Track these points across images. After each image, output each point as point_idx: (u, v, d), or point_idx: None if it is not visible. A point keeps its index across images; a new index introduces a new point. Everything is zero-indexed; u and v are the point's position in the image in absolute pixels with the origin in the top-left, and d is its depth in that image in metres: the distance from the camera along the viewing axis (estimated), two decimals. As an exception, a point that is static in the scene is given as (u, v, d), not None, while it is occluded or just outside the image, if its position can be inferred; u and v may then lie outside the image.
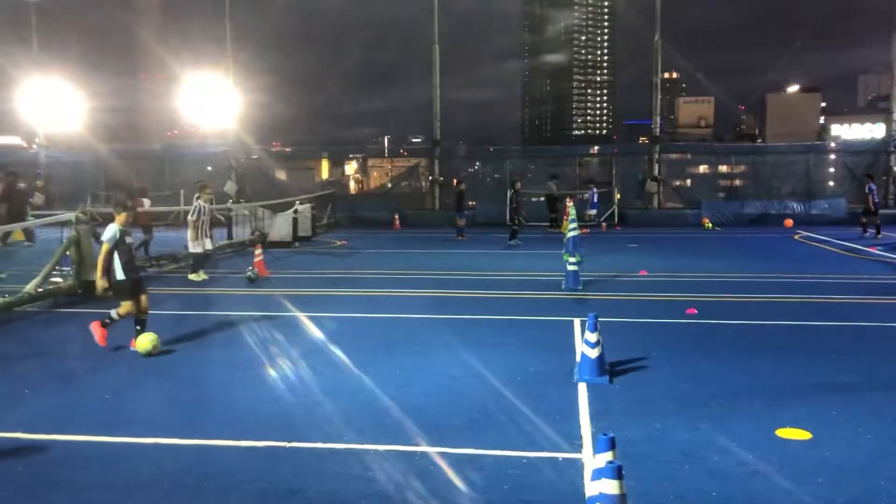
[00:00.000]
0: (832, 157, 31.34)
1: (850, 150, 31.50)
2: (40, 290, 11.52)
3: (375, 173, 46.16)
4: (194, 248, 14.17)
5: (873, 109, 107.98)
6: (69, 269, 12.38)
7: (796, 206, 27.81)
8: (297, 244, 20.71)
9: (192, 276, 14.06)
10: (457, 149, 36.65)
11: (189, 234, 14.17)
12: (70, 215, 12.46)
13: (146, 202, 17.90)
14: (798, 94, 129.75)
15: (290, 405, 6.63)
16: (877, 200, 21.80)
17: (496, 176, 33.58)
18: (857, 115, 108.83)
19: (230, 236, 20.59)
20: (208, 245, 14.48)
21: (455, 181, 28.35)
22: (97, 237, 12.77)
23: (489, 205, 29.12)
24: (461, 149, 37.97)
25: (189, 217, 14.23)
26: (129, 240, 8.52)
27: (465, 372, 7.68)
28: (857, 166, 29.17)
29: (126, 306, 8.47)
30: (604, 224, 26.63)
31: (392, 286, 13.44)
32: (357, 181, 47.34)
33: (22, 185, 21.48)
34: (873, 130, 72.94)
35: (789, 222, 26.22)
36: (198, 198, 14.37)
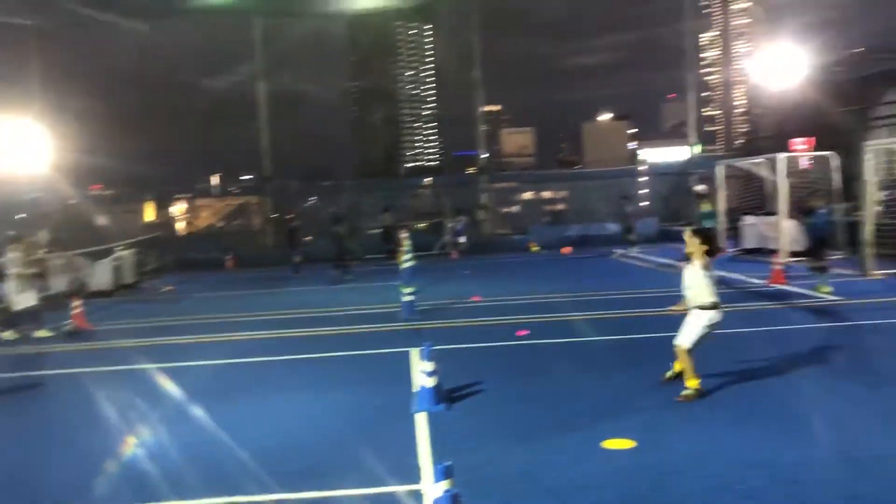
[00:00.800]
0: (643, 179, 33.85)
1: (658, 172, 34.19)
2: None
3: (205, 213, 44.64)
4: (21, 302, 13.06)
5: (676, 134, 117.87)
6: None
7: (613, 227, 29.72)
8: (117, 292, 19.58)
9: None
10: (290, 185, 36.26)
11: (13, 287, 13.04)
12: None
13: None
14: (610, 122, 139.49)
15: (110, 466, 6.25)
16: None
17: (331, 210, 33.50)
18: (662, 140, 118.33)
19: (44, 289, 19.10)
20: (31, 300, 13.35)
21: (286, 217, 27.99)
22: None
23: (326, 240, 28.91)
24: (294, 184, 37.60)
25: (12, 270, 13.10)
26: None
27: (306, 413, 7.58)
28: (666, 187, 31.67)
29: None
30: (455, 252, 27.00)
31: (226, 330, 13.01)
32: (186, 222, 45.52)
33: None
34: (677, 153, 79.39)
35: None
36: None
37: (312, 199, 36.00)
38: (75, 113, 35.69)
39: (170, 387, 8.89)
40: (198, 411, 7.73)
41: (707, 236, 7.59)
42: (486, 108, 35.64)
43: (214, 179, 57.13)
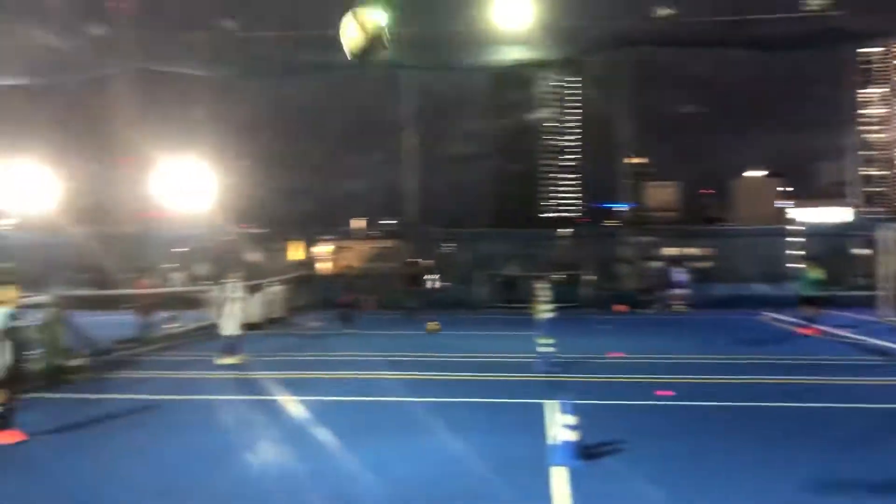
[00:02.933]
0: (797, 239, 32.19)
1: (814, 232, 32.39)
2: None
3: (348, 255, 46.33)
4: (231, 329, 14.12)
5: (833, 193, 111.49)
6: (38, 353, 12.20)
7: (764, 287, 28.33)
8: (268, 326, 20.58)
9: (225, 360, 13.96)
10: (430, 231, 37.06)
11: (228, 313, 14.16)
12: (44, 298, 12.37)
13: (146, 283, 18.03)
14: (760, 178, 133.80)
15: (266, 490, 6.54)
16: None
17: (469, 257, 33.94)
18: (817, 200, 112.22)
19: (203, 318, 20.42)
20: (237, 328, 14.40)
21: (408, 262, 28.67)
22: (69, 321, 12.71)
23: (459, 286, 29.34)
24: (434, 231, 38.40)
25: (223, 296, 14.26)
26: (14, 322, 8.19)
27: (440, 456, 7.65)
28: (822, 249, 29.94)
29: (3, 393, 8.15)
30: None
31: (366, 368, 13.38)
32: (330, 263, 47.42)
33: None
34: (834, 214, 74.98)
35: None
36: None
37: (449, 246, 36.64)
38: (235, 156, 38.30)
39: (310, 420, 9.23)
40: (336, 446, 7.99)
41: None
42: (632, 161, 35.20)
43: (359, 223, 59.28)
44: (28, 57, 28.96)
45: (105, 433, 8.60)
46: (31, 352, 12.20)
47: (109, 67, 32.57)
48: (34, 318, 12.50)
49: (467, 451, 7.79)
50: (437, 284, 30.02)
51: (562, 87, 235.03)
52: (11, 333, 7.92)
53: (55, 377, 11.81)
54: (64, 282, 27.45)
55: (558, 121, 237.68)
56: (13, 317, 8.01)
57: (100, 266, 28.60)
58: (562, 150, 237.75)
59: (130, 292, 18.06)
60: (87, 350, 13.30)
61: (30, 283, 25.98)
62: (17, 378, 8.08)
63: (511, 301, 27.22)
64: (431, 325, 19.31)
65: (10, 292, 7.99)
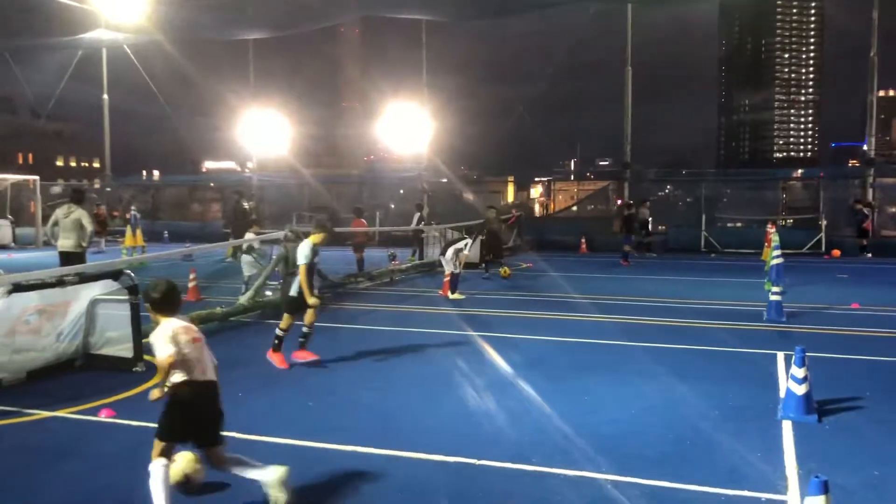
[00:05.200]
0: None
1: None
2: (252, 301, 12.52)
3: (561, 196, 46.03)
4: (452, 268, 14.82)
5: None
6: (277, 283, 13.34)
7: None
8: (483, 266, 21.00)
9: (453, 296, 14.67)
10: (646, 172, 35.74)
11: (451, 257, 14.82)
12: (279, 234, 13.43)
13: (364, 223, 19.20)
14: None
15: (478, 424, 6.71)
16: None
17: (688, 200, 32.39)
18: None
19: (421, 257, 21.32)
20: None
21: (621, 204, 27.71)
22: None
23: (681, 230, 28.15)
24: (651, 172, 36.99)
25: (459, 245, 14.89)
26: (316, 259, 8.91)
27: (658, 402, 7.42)
28: None
29: (287, 320, 8.87)
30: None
31: (579, 311, 13.28)
32: (542, 204, 47.41)
33: (246, 204, 23.59)
34: None
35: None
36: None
37: (668, 188, 35.14)
38: (452, 97, 39.02)
39: (524, 358, 9.31)
40: (549, 385, 7.99)
41: None
42: (880, 94, 31.42)
43: (573, 164, 58.48)
44: (265, 10, 31.19)
45: (340, 358, 9.21)
46: (273, 283, 13.43)
47: (337, 16, 34.19)
48: (273, 252, 13.69)
49: (691, 398, 7.48)
50: (655, 228, 29.03)
51: (800, 12, 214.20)
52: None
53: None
54: (298, 219, 29.81)
55: (794, 51, 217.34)
56: (315, 252, 8.77)
57: (328, 205, 30.62)
58: (797, 83, 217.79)
59: (351, 230, 19.19)
60: (318, 283, 14.34)
61: (269, 220, 28.52)
62: (297, 307, 8.83)
63: (736, 246, 25.71)
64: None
65: (319, 236, 8.82)
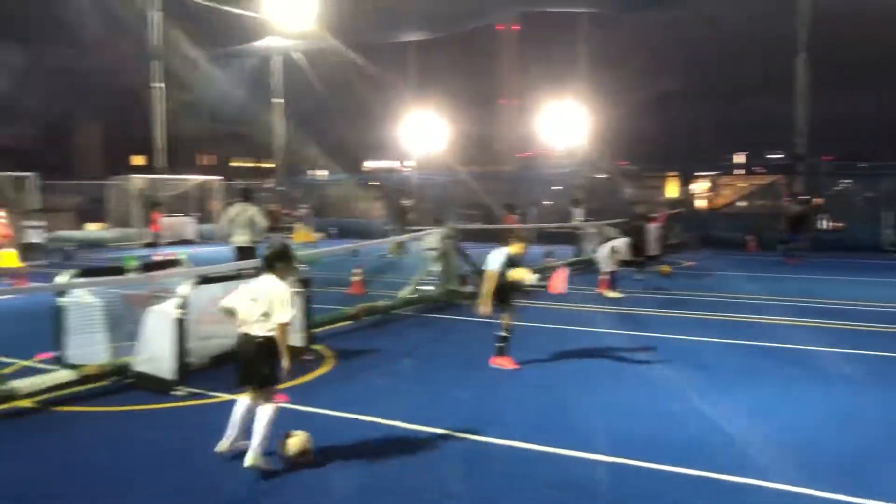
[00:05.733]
0: None
1: None
2: (413, 295, 12.93)
3: (726, 191, 43.96)
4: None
5: None
6: (436, 279, 13.68)
7: None
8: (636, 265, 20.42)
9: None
10: (820, 165, 33.39)
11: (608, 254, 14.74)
12: (438, 231, 13.77)
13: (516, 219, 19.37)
14: None
15: (637, 425, 6.59)
16: None
17: (868, 195, 29.93)
18: None
19: (578, 253, 21.10)
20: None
21: (787, 199, 25.94)
22: (461, 252, 14.00)
23: (858, 226, 26.14)
24: (827, 165, 34.51)
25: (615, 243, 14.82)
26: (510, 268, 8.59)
27: (836, 409, 7.00)
28: None
29: (506, 319, 8.62)
30: None
31: (744, 311, 12.68)
32: (706, 199, 45.48)
33: (406, 202, 24.41)
34: None
35: None
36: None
37: (845, 182, 32.67)
38: (610, 92, 38.24)
39: (688, 360, 9.03)
40: (718, 388, 7.72)
41: None
42: None
43: (739, 157, 55.67)
44: (424, 11, 31.93)
45: (486, 356, 9.32)
46: (431, 278, 13.79)
47: (495, 13, 34.46)
48: (431, 249, 14.06)
49: (873, 407, 7.00)
50: (829, 225, 27.12)
51: None
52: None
53: (449, 301, 13.16)
54: (455, 216, 30.34)
55: None
56: (511, 262, 8.55)
57: (484, 202, 30.91)
58: None
59: (506, 227, 19.29)
60: (476, 279, 14.57)
61: (427, 217, 29.23)
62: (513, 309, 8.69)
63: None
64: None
65: (519, 246, 8.64)
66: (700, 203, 38.77)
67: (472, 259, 14.96)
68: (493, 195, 31.95)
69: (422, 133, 35.83)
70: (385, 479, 5.43)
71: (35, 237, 21.06)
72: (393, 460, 5.81)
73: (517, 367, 8.57)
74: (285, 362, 5.57)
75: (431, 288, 13.61)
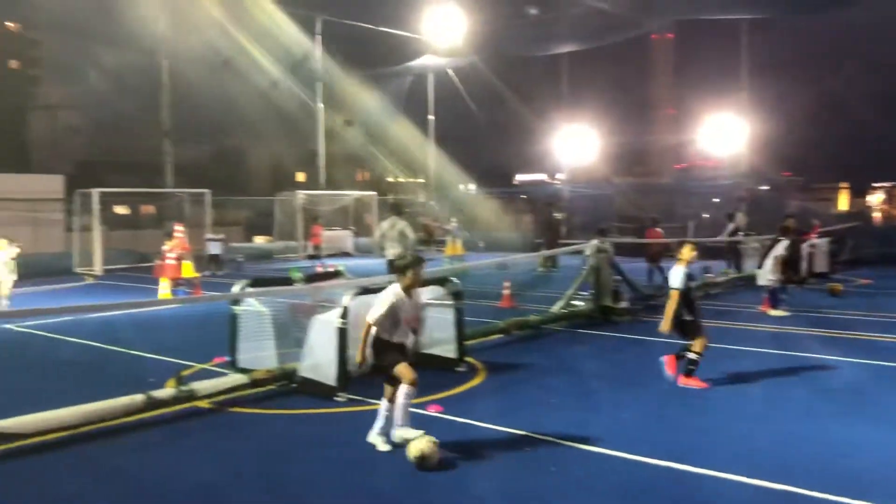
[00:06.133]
0: None
1: None
2: (564, 311, 12.83)
3: (905, 204, 40.55)
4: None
5: None
6: (588, 294, 13.50)
7: None
8: (812, 280, 19.22)
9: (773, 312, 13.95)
10: None
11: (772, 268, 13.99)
12: (591, 245, 13.59)
13: (660, 233, 18.80)
14: None
15: (804, 452, 6.23)
16: None
17: None
18: None
19: (739, 269, 20.15)
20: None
21: None
22: (615, 266, 13.76)
23: None
24: None
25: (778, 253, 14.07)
26: (690, 283, 8.44)
27: None
28: None
29: (699, 342, 8.33)
30: None
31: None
32: (883, 212, 42.17)
33: (557, 215, 24.29)
34: None
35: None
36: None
37: None
38: (772, 100, 36.35)
39: (857, 384, 8.45)
40: (891, 416, 7.16)
41: None
42: None
43: (921, 167, 51.31)
44: (578, 24, 31.75)
45: (649, 372, 9.07)
46: (584, 293, 13.62)
47: (650, 22, 33.73)
48: (585, 263, 13.89)
49: None
50: None
51: None
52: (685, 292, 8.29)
53: (602, 317, 12.95)
54: (609, 229, 29.83)
55: None
56: (690, 276, 8.42)
57: (637, 215, 30.17)
58: None
59: (661, 241, 18.76)
60: (630, 294, 14.26)
61: (579, 230, 28.93)
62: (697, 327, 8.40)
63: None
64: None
65: (688, 252, 8.45)
66: (877, 216, 36.03)
67: (626, 273, 14.68)
68: (647, 208, 31.16)
69: (573, 145, 35.57)
70: (537, 494, 5.43)
71: (216, 249, 22.60)
72: (545, 475, 5.79)
73: (705, 386, 8.29)
74: (357, 355, 6.40)
75: (583, 303, 13.44)
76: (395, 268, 6.46)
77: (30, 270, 18.39)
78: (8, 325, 12.82)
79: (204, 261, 22.38)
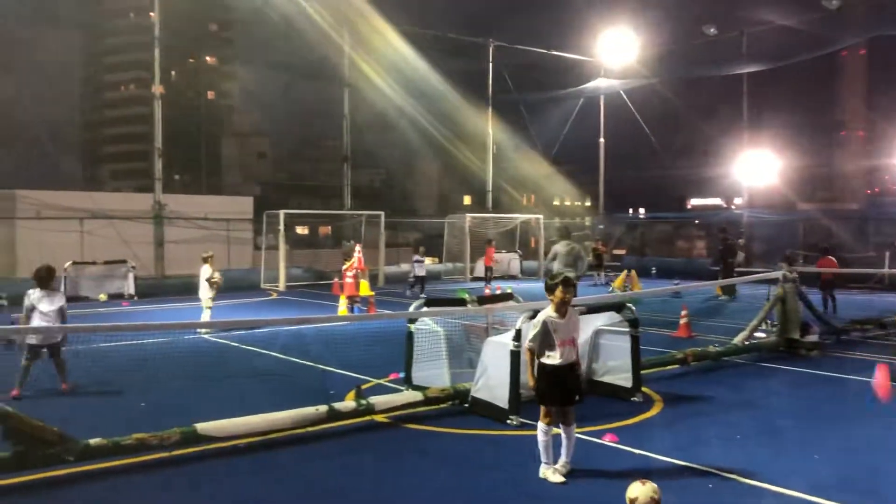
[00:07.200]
0: None
1: None
2: (746, 343, 12.12)
3: None
4: None
5: None
6: (774, 325, 12.69)
7: None
8: None
9: None
10: None
11: None
12: (777, 273, 12.79)
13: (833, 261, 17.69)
14: None
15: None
16: None
17: None
18: None
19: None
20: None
21: None
22: (803, 297, 12.86)
23: None
24: None
25: None
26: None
27: None
28: None
29: None
30: None
31: None
32: None
33: (734, 241, 23.16)
34: None
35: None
36: None
37: None
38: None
39: None
40: None
41: None
42: None
43: None
44: (765, 42, 30.29)
45: (840, 412, 8.38)
46: (769, 325, 12.82)
47: (843, 39, 31.63)
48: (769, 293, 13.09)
49: None
50: None
51: None
52: None
53: (788, 351, 12.12)
54: (795, 257, 27.95)
55: None
56: None
57: (824, 244, 28.16)
58: None
59: (826, 271, 17.44)
60: (821, 327, 13.25)
61: (759, 258, 27.38)
62: None
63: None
64: None
65: None
66: None
67: (814, 306, 13.70)
68: (835, 235, 29.01)
69: (753, 168, 33.78)
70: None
71: (421, 271, 23.17)
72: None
73: None
74: (529, 379, 6.36)
75: (766, 335, 12.65)
76: (546, 287, 6.42)
77: (223, 285, 19.83)
78: (205, 335, 13.89)
79: (408, 281, 23.06)
